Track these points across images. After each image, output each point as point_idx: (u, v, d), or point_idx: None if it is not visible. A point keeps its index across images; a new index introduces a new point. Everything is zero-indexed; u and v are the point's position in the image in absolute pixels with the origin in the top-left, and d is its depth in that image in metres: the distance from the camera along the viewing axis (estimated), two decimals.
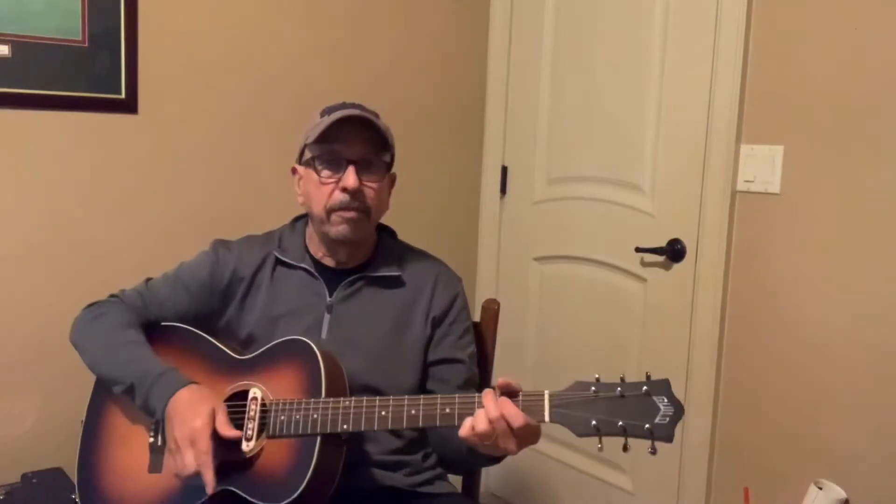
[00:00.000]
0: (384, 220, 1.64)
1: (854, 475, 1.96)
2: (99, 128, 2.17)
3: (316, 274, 1.57)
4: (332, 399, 1.36)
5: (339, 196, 1.50)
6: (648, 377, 1.24)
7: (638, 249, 2.40)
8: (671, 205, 2.37)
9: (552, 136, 2.71)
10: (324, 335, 1.53)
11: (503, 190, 2.87)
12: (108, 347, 1.50)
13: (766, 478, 2.17)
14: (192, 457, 1.31)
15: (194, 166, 2.33)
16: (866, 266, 1.97)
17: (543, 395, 1.26)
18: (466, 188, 2.89)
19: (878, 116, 1.93)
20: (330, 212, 1.51)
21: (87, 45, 2.11)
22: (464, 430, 1.25)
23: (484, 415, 1.23)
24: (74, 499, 1.92)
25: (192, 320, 1.56)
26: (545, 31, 2.71)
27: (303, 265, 1.57)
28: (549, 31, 2.70)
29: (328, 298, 1.55)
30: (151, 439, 1.47)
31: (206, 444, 1.31)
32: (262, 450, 1.38)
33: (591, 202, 2.59)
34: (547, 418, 1.25)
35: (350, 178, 1.48)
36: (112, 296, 1.61)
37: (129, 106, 2.19)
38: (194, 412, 1.33)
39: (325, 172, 1.51)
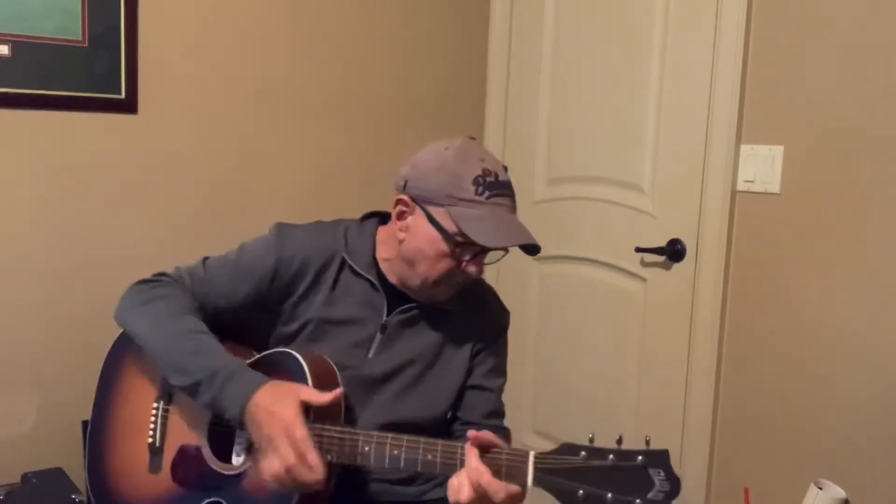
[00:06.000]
0: None
1: (854, 475, 1.96)
2: (99, 128, 2.17)
3: (379, 287, 1.49)
4: (318, 425, 1.30)
5: (459, 276, 1.44)
6: (648, 443, 1.13)
7: (638, 249, 2.40)
8: (671, 205, 2.37)
9: (552, 136, 2.71)
10: (371, 355, 1.49)
11: None
12: (169, 335, 1.41)
13: (766, 478, 2.17)
14: (289, 447, 1.24)
15: (194, 166, 2.33)
16: (866, 266, 1.97)
17: (528, 456, 1.17)
18: None
19: (877, 116, 1.93)
20: (441, 281, 1.44)
21: (87, 45, 2.11)
22: (451, 496, 1.22)
23: (468, 482, 1.19)
24: (75, 499, 1.92)
25: (243, 308, 1.48)
26: (545, 31, 2.71)
27: (369, 277, 1.49)
28: (549, 31, 2.70)
29: (384, 317, 1.50)
30: (150, 440, 1.47)
31: (302, 431, 1.25)
32: (251, 465, 1.36)
33: (591, 202, 2.59)
34: (530, 482, 1.16)
35: (477, 268, 1.44)
36: (163, 274, 1.51)
37: (129, 106, 2.19)
38: (282, 404, 1.27)
39: (459, 249, 1.40)
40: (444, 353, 1.53)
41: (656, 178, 2.41)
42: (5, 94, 2.02)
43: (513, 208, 1.43)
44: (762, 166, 2.15)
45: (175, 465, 1.44)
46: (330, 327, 1.48)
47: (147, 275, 1.57)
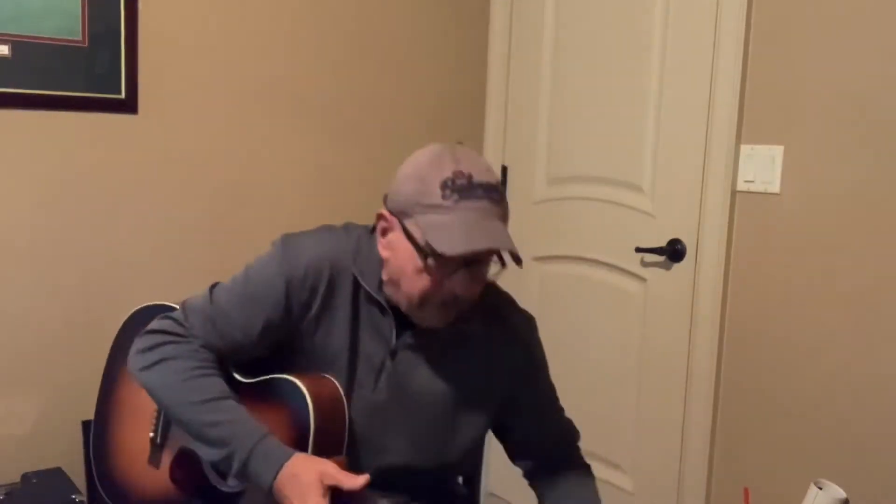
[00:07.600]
0: None
1: (854, 475, 1.96)
2: (99, 128, 2.17)
3: (387, 308, 1.34)
4: None
5: (441, 295, 1.27)
6: None
7: (638, 249, 2.40)
8: (671, 205, 2.37)
9: (552, 136, 2.71)
10: (380, 384, 1.36)
11: None
12: (184, 405, 1.30)
13: (766, 478, 2.16)
14: None
15: (194, 166, 2.33)
16: (866, 266, 1.97)
17: None
18: None
19: (877, 116, 1.93)
20: (424, 302, 1.28)
21: (86, 45, 2.11)
22: None
23: None
24: (75, 499, 1.92)
25: (263, 337, 1.34)
26: (545, 30, 2.71)
27: (378, 299, 1.34)
28: (549, 31, 2.70)
29: (393, 341, 1.35)
30: (152, 434, 1.46)
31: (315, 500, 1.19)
32: (248, 490, 1.33)
33: (591, 202, 2.59)
34: None
35: (461, 286, 1.27)
36: (168, 318, 1.36)
37: (129, 106, 2.19)
38: (308, 488, 1.20)
39: (431, 262, 1.24)
40: (465, 385, 1.38)
41: (656, 178, 2.41)
42: (5, 94, 2.02)
43: (493, 212, 1.25)
44: (762, 166, 2.15)
45: (173, 466, 1.44)
46: (337, 356, 1.35)
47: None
